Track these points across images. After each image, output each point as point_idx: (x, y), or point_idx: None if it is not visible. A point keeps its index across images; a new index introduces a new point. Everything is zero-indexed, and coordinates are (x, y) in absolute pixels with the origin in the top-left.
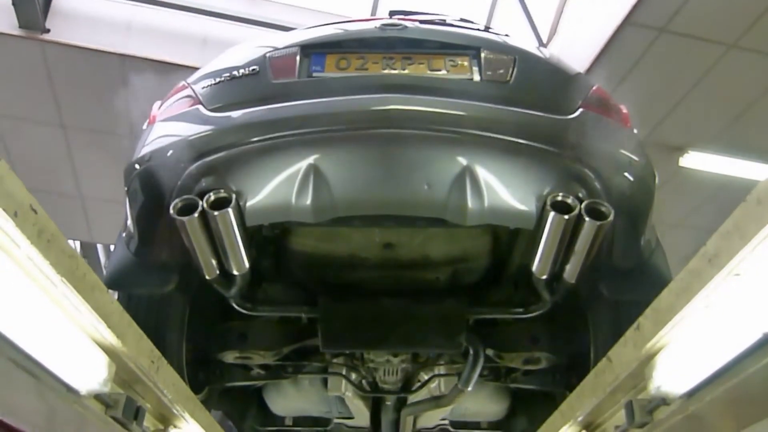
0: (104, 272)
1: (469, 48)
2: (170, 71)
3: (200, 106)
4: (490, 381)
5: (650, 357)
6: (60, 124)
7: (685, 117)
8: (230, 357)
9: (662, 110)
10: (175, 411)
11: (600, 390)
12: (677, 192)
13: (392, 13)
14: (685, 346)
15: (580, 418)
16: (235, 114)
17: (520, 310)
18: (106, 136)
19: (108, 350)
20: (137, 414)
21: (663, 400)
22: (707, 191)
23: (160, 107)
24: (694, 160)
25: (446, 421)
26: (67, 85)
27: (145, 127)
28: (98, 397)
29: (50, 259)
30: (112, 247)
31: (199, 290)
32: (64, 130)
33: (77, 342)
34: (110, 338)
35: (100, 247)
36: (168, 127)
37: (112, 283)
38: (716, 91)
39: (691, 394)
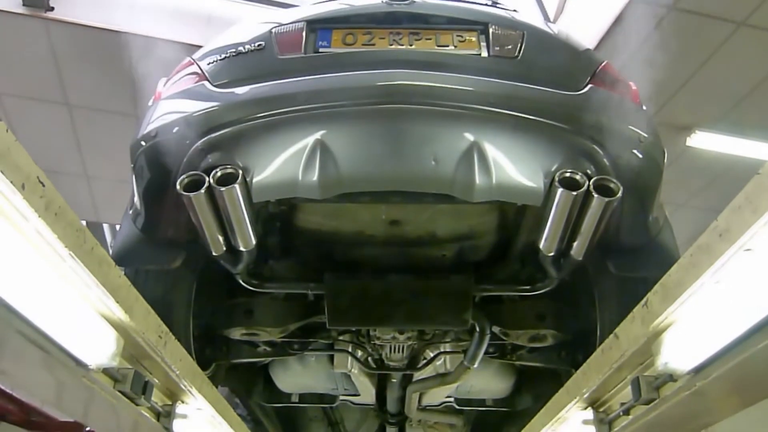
0: (110, 252)
1: (477, 23)
2: (175, 50)
3: (206, 82)
4: (496, 358)
5: (658, 333)
6: (65, 102)
7: (693, 96)
8: (237, 333)
9: (670, 89)
10: (182, 386)
11: (606, 366)
12: (684, 172)
13: None
14: (694, 323)
15: (586, 395)
16: (241, 90)
17: (527, 287)
18: (112, 115)
19: (116, 325)
20: (145, 388)
21: (670, 377)
22: (714, 171)
23: (165, 84)
24: (701, 140)
25: (451, 399)
26: (72, 63)
27: (150, 103)
28: (107, 371)
29: (58, 233)
30: (118, 227)
31: (206, 267)
32: (69, 109)
33: (85, 316)
34: (118, 313)
35: (106, 226)
36: (174, 104)
37: (119, 259)
38: (725, 70)
39: (699, 370)
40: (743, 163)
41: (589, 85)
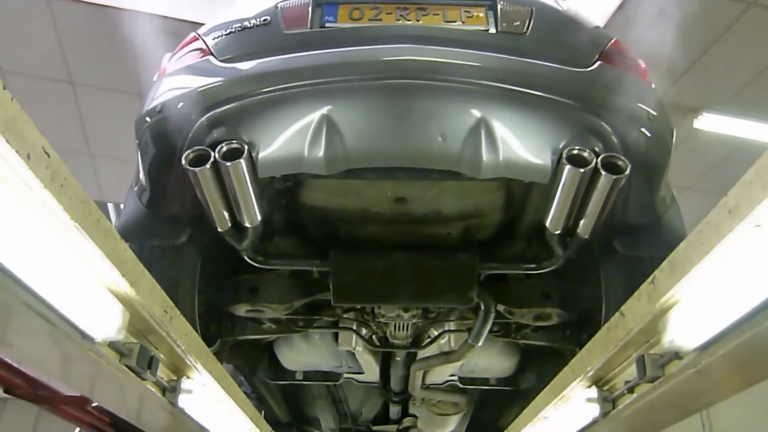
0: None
1: None
2: (180, 27)
3: (211, 57)
4: (500, 337)
5: (664, 311)
6: (68, 80)
7: (701, 78)
8: (242, 310)
9: (677, 70)
10: (188, 361)
11: (612, 345)
12: (690, 154)
13: None
14: (701, 300)
15: (590, 374)
16: (247, 65)
17: (533, 265)
18: (116, 94)
19: (122, 298)
20: (151, 363)
21: (676, 354)
22: (721, 154)
23: (170, 59)
24: (708, 122)
25: (455, 377)
26: (76, 41)
27: (155, 79)
28: (112, 345)
29: (63, 204)
30: (122, 206)
31: (211, 243)
32: (72, 87)
33: (91, 289)
34: (124, 286)
35: (110, 206)
36: (179, 79)
37: (124, 234)
38: (734, 51)
39: (705, 347)
40: (751, 145)
41: (598, 62)
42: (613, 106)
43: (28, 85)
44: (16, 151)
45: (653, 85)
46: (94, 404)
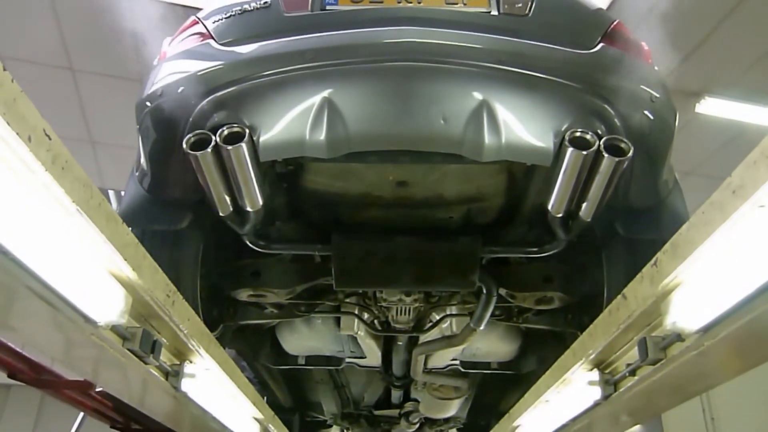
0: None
1: None
2: (180, 12)
3: (212, 41)
4: (502, 321)
5: (666, 293)
6: (69, 67)
7: (703, 62)
8: (244, 295)
9: (680, 55)
10: (190, 346)
11: (614, 327)
12: (692, 139)
13: None
14: (704, 282)
15: (592, 356)
16: (247, 48)
17: (534, 249)
18: (116, 80)
19: (124, 282)
20: (153, 347)
21: (678, 336)
22: (723, 138)
23: (170, 43)
24: (710, 107)
25: (457, 362)
26: (76, 27)
27: (155, 63)
28: (115, 329)
29: (65, 187)
30: (123, 193)
31: (213, 228)
32: (72, 74)
33: (93, 273)
34: (126, 270)
35: (111, 193)
36: (179, 63)
37: (125, 220)
38: (737, 35)
39: (707, 329)
40: (754, 130)
41: (601, 44)
42: (615, 88)
43: (27, 72)
44: (17, 134)
45: (656, 67)
46: (98, 389)
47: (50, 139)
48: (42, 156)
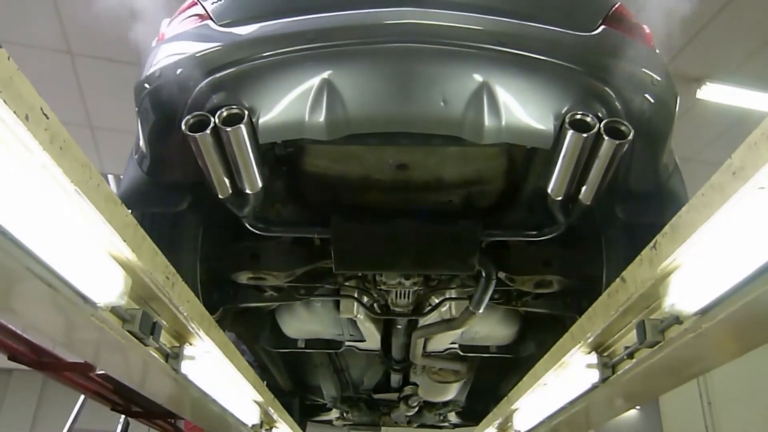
0: None
1: None
2: None
3: (210, 22)
4: (501, 305)
5: (665, 276)
6: (67, 50)
7: (704, 47)
8: (243, 278)
9: (681, 40)
10: (190, 328)
11: (612, 310)
12: (693, 125)
13: None
14: (703, 264)
15: (590, 340)
16: (246, 29)
17: (534, 232)
18: (116, 64)
19: (123, 264)
20: (153, 329)
21: (676, 319)
22: (724, 125)
23: (169, 25)
24: (711, 92)
25: (456, 345)
26: (74, 10)
27: (154, 44)
28: (115, 310)
29: (63, 167)
30: (122, 176)
31: (213, 210)
32: (71, 57)
33: (92, 254)
34: (126, 252)
35: (111, 177)
36: (177, 45)
37: (125, 202)
38: (739, 20)
39: (705, 311)
40: (755, 116)
41: (602, 27)
42: (616, 71)
43: (26, 55)
44: (14, 112)
45: (657, 51)
46: (98, 372)
47: (48, 118)
48: (40, 135)
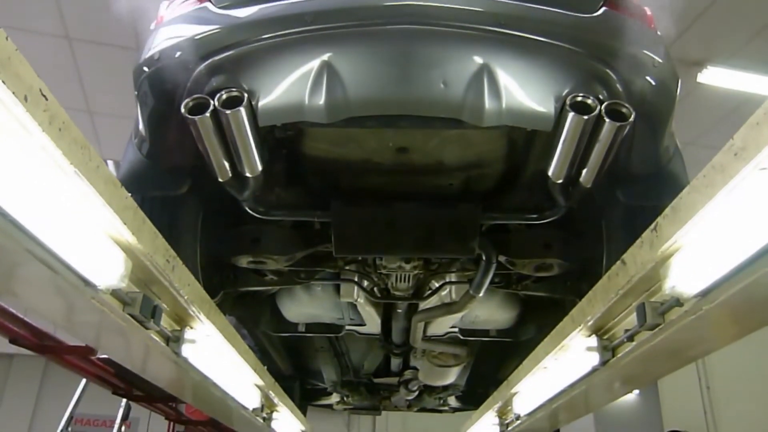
0: None
1: None
2: None
3: (209, 4)
4: (501, 288)
5: (666, 258)
6: (65, 36)
7: (705, 30)
8: (243, 261)
9: (681, 23)
10: (191, 312)
11: (612, 293)
12: (693, 109)
13: None
14: (703, 246)
15: (590, 323)
16: (245, 11)
17: (534, 215)
18: (114, 49)
19: (124, 246)
20: (154, 312)
21: (676, 301)
22: (725, 109)
23: (167, 7)
24: (712, 76)
25: (456, 329)
26: None
27: (152, 27)
28: (115, 293)
29: (63, 149)
30: (121, 160)
31: (212, 194)
32: (69, 42)
33: (92, 236)
34: (126, 234)
35: (111, 163)
36: (176, 27)
37: (124, 185)
38: (740, 3)
39: (705, 293)
40: (757, 100)
41: (603, 8)
42: (617, 53)
43: (23, 41)
44: (13, 93)
45: (659, 33)
46: (99, 355)
47: (47, 99)
48: (39, 116)
